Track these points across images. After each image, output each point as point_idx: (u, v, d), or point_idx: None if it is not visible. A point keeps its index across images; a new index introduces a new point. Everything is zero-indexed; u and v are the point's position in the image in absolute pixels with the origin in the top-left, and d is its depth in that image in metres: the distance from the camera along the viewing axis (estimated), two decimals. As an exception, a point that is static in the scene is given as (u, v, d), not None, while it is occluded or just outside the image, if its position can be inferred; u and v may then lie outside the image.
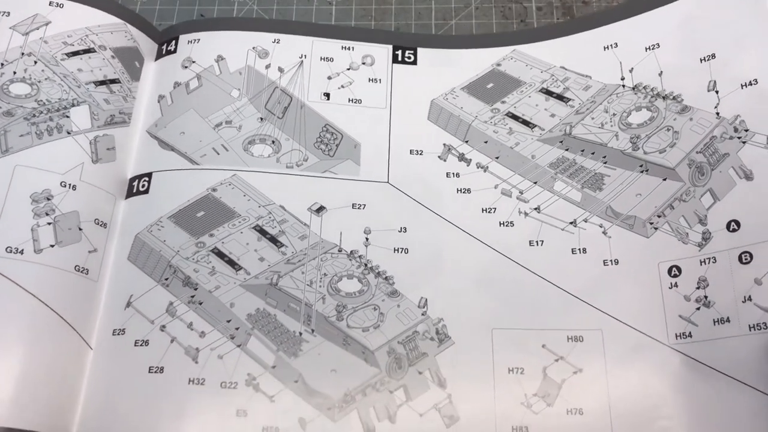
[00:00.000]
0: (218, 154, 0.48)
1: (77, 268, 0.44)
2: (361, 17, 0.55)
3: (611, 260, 0.44)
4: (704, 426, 0.39)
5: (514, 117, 0.50)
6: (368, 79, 0.51)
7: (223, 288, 0.44)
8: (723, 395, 0.39)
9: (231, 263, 0.45)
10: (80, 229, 0.45)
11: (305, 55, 0.52)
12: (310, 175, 0.48)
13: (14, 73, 0.48)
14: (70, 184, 0.45)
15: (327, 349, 0.43)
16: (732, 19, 0.47)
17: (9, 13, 0.50)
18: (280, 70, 0.51)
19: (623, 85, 0.49)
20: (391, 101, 0.51)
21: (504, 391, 0.41)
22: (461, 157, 0.49)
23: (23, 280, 0.42)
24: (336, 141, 0.49)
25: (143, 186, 0.47)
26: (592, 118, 0.49)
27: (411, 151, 0.49)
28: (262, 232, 0.46)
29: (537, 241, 0.45)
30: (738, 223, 0.42)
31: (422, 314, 0.44)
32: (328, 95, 0.51)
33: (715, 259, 0.42)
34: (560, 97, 0.50)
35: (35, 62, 0.49)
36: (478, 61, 0.52)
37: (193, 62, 0.51)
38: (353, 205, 0.47)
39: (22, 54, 0.49)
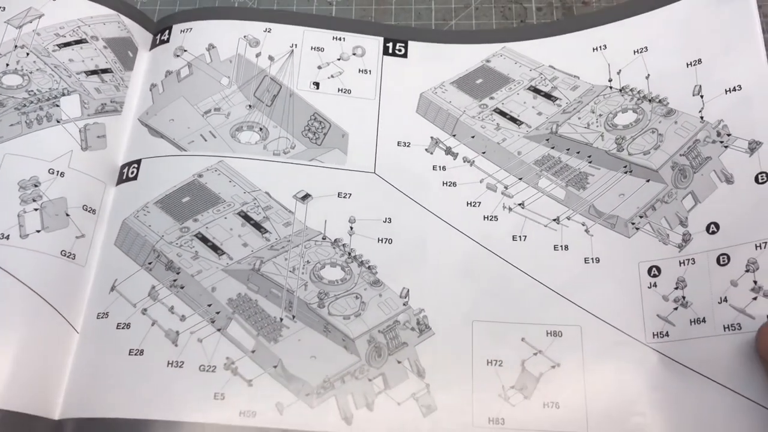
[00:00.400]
0: (206, 140, 0.48)
1: (64, 253, 0.44)
2: (360, 17, 0.55)
3: (592, 258, 0.45)
4: (678, 423, 0.40)
5: (502, 113, 0.50)
6: (358, 70, 0.51)
7: (205, 272, 0.44)
8: (697, 394, 0.40)
9: (214, 248, 0.45)
10: (67, 215, 0.45)
11: (296, 45, 0.52)
12: (296, 162, 0.48)
13: (7, 65, 0.49)
14: (58, 171, 0.46)
15: (307, 335, 0.43)
16: (719, 26, 0.48)
17: (5, 8, 0.51)
18: (271, 58, 0.51)
19: (610, 87, 0.50)
20: (380, 93, 0.51)
21: (482, 383, 0.42)
22: (448, 151, 0.49)
23: (9, 264, 0.42)
24: (324, 130, 0.49)
25: (132, 173, 0.48)
26: (579, 118, 0.49)
27: (398, 143, 0.49)
28: (247, 217, 0.46)
29: (520, 236, 0.46)
30: (717, 226, 0.43)
31: (404, 304, 0.44)
32: (317, 84, 0.51)
33: (694, 261, 0.43)
34: (548, 96, 0.50)
35: (27, 54, 0.49)
36: (468, 56, 0.52)
37: (185, 51, 0.51)
38: (339, 194, 0.47)
39: (15, 46, 0.49)
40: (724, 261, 0.42)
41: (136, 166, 0.48)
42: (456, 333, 0.43)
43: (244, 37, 0.52)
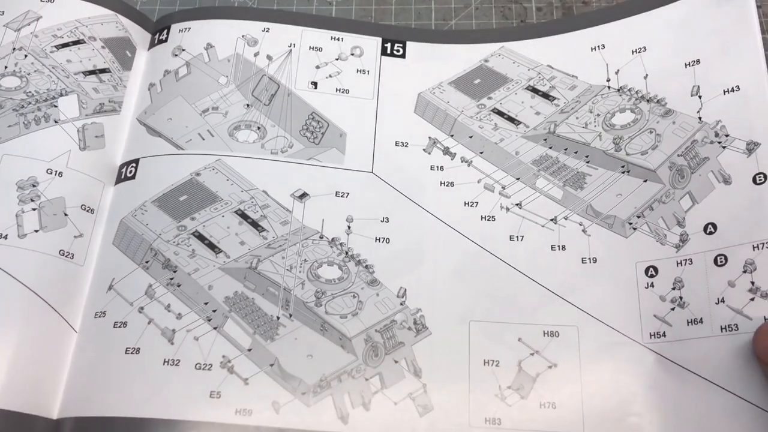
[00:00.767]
0: (203, 139, 0.48)
1: (62, 252, 0.44)
2: (361, 17, 0.55)
3: (590, 258, 0.45)
4: (674, 423, 0.40)
5: (500, 113, 0.50)
6: (356, 69, 0.51)
7: (202, 270, 0.44)
8: (694, 394, 0.40)
9: (211, 246, 0.45)
10: (66, 215, 0.45)
11: (294, 44, 0.52)
12: (294, 161, 0.48)
13: (5, 67, 0.49)
14: (56, 171, 0.46)
15: (304, 334, 0.43)
16: (718, 26, 0.48)
17: (3, 12, 0.51)
18: (269, 58, 0.51)
19: (608, 87, 0.50)
20: (378, 93, 0.51)
21: (478, 383, 0.42)
22: (446, 151, 0.49)
23: (7, 264, 0.43)
24: (322, 129, 0.49)
25: (131, 172, 0.48)
26: (577, 118, 0.49)
27: (396, 143, 0.49)
28: (244, 216, 0.46)
29: (517, 237, 0.46)
30: (715, 226, 0.43)
31: (401, 304, 0.44)
32: (315, 84, 0.51)
33: (691, 261, 0.43)
34: (546, 96, 0.50)
35: (25, 56, 0.49)
36: (466, 56, 0.52)
37: (183, 50, 0.51)
38: (336, 193, 0.47)
39: (14, 49, 0.49)
40: (721, 261, 0.42)
41: (134, 165, 0.48)
42: (453, 333, 0.43)
43: (243, 36, 0.52)
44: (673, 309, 0.42)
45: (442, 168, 0.48)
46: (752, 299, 0.40)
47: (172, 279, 0.44)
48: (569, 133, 0.49)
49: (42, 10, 0.51)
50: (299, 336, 0.43)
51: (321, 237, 0.46)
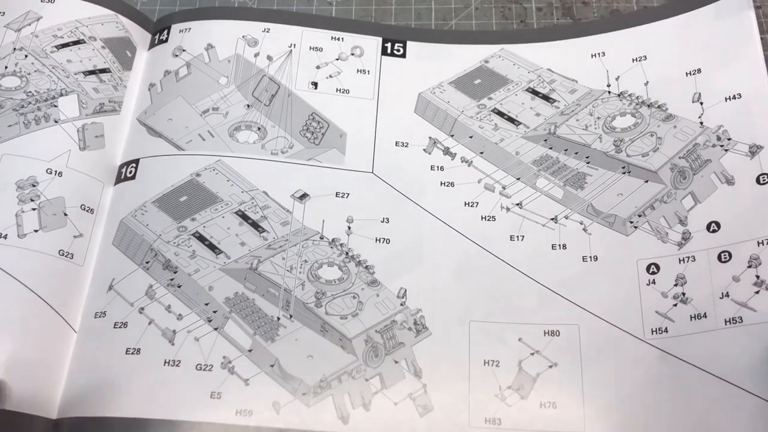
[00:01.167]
0: (204, 140, 0.48)
1: (61, 252, 0.44)
2: (361, 17, 0.55)
3: (590, 257, 0.44)
4: (678, 419, 0.40)
5: (500, 114, 0.50)
6: (357, 69, 0.51)
7: (202, 271, 0.44)
8: (697, 388, 0.40)
9: (211, 247, 0.45)
10: (65, 215, 0.45)
11: (294, 45, 0.52)
12: (294, 162, 0.48)
13: (6, 67, 0.49)
14: (56, 171, 0.46)
15: (304, 335, 0.43)
16: (718, 38, 0.48)
17: (4, 12, 0.51)
18: (269, 58, 0.51)
19: (609, 92, 0.50)
20: (378, 93, 0.51)
21: (479, 383, 0.42)
22: (446, 151, 0.49)
23: (7, 264, 0.43)
24: (322, 130, 0.49)
25: (130, 172, 0.48)
26: (577, 120, 0.49)
27: (396, 143, 0.49)
28: (244, 217, 0.46)
29: (518, 236, 0.46)
30: (718, 224, 0.43)
31: (401, 304, 0.44)
32: (315, 84, 0.51)
33: (694, 258, 0.42)
34: (546, 98, 0.50)
35: (26, 56, 0.49)
36: (467, 57, 0.52)
37: (184, 51, 0.51)
38: (337, 194, 0.47)
39: (14, 49, 0.50)
40: (725, 258, 0.42)
41: (134, 165, 0.48)
42: (453, 333, 0.43)
43: (243, 37, 0.52)
44: (675, 305, 0.42)
45: (442, 168, 0.48)
46: (757, 292, 0.40)
47: (172, 280, 0.44)
48: (569, 135, 0.49)
49: (42, 11, 0.51)
50: (299, 337, 0.42)
51: (321, 237, 0.46)
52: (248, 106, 0.50)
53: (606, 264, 0.44)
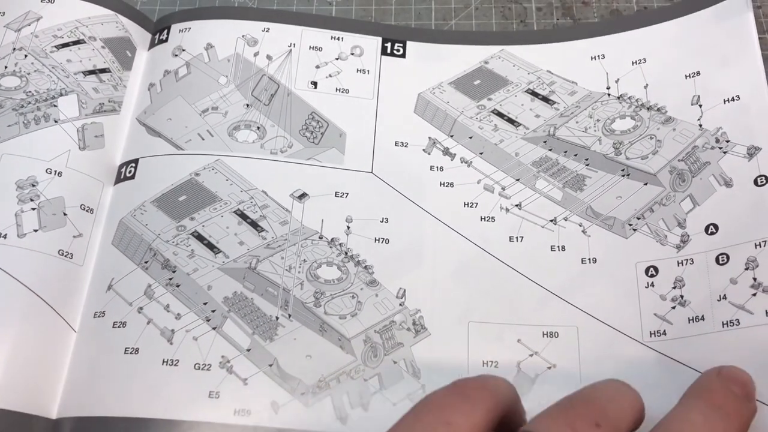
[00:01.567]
0: (203, 139, 0.48)
1: (61, 252, 0.44)
2: (361, 17, 0.55)
3: (589, 259, 0.44)
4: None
5: (500, 114, 0.50)
6: (356, 69, 0.51)
7: (201, 271, 0.44)
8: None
9: (210, 246, 0.45)
10: (65, 215, 0.45)
11: (294, 44, 0.52)
12: (294, 161, 0.48)
13: (5, 67, 0.49)
14: (55, 171, 0.46)
15: (303, 334, 0.43)
16: (718, 41, 0.49)
17: (4, 12, 0.51)
18: (269, 58, 0.51)
19: (608, 94, 0.50)
20: (378, 92, 0.51)
21: (477, 384, 0.41)
22: (446, 151, 0.49)
23: (6, 264, 0.43)
24: (321, 129, 0.49)
25: (130, 172, 0.48)
26: (577, 122, 0.49)
27: (396, 143, 0.49)
28: (243, 216, 0.46)
29: (517, 237, 0.46)
30: (716, 227, 0.43)
31: (400, 305, 0.44)
32: (315, 84, 0.51)
33: (692, 261, 0.43)
34: (546, 99, 0.51)
35: (25, 56, 0.50)
36: (467, 57, 0.53)
37: (183, 50, 0.51)
38: (336, 194, 0.47)
39: (14, 49, 0.50)
40: (723, 260, 0.42)
41: (133, 165, 0.48)
42: (452, 334, 0.43)
43: (243, 36, 0.52)
44: (673, 307, 0.42)
45: (441, 168, 0.48)
46: (754, 294, 0.40)
47: (171, 279, 0.44)
48: (569, 137, 0.49)
49: (42, 11, 0.51)
50: (298, 336, 0.42)
51: (320, 237, 0.46)
52: (247, 105, 0.50)
53: (605, 266, 0.44)
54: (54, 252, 0.44)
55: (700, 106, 0.47)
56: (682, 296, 0.42)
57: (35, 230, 0.44)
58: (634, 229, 0.45)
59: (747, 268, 0.41)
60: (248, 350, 0.42)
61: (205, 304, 0.43)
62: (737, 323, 0.40)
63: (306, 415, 0.40)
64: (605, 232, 0.45)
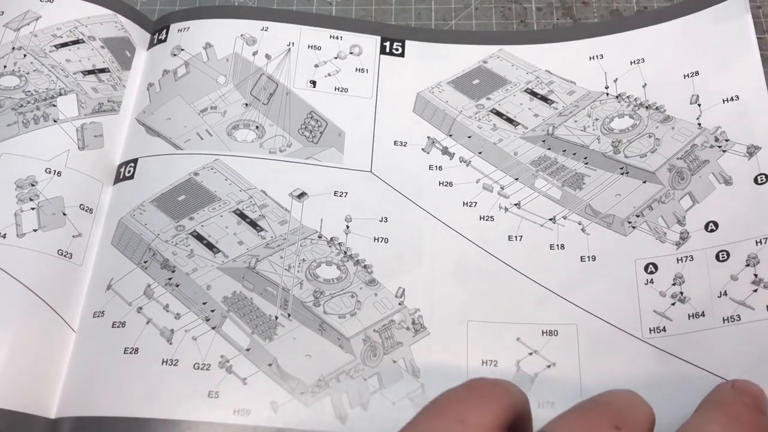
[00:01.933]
0: (202, 139, 0.48)
1: (60, 252, 0.44)
2: (361, 17, 0.55)
3: (588, 256, 0.44)
4: (676, 417, 0.39)
5: (499, 114, 0.50)
6: (355, 68, 0.51)
7: (200, 270, 0.44)
8: (695, 387, 0.39)
9: (209, 246, 0.45)
10: (64, 214, 0.45)
11: (293, 43, 0.52)
12: (292, 161, 0.48)
13: (4, 67, 0.49)
14: (55, 171, 0.46)
15: (302, 334, 0.42)
16: (716, 42, 0.49)
17: (3, 12, 0.51)
18: (267, 57, 0.51)
19: (607, 94, 0.50)
20: (377, 92, 0.51)
21: (477, 383, 0.41)
22: (444, 151, 0.49)
23: (6, 263, 0.42)
24: (320, 128, 0.49)
25: (129, 172, 0.48)
26: (575, 121, 0.49)
27: (395, 142, 0.49)
28: (242, 216, 0.46)
29: (516, 236, 0.46)
30: (716, 224, 0.43)
31: (399, 304, 0.44)
32: (314, 83, 0.51)
33: (692, 258, 0.43)
34: (544, 99, 0.51)
35: (25, 55, 0.50)
36: (465, 57, 0.53)
37: (182, 50, 0.51)
38: (335, 193, 0.47)
39: (13, 48, 0.50)
40: (723, 257, 0.42)
41: (132, 165, 0.48)
42: (451, 333, 0.43)
43: (241, 35, 0.52)
44: (673, 304, 0.42)
45: (440, 168, 0.48)
46: (755, 290, 0.40)
47: (170, 279, 0.44)
48: (568, 136, 0.49)
49: (41, 10, 0.51)
50: (298, 336, 0.42)
51: (319, 236, 0.46)
52: (246, 104, 0.50)
53: (604, 264, 0.44)
54: (53, 252, 0.44)
55: (699, 105, 0.47)
56: (681, 293, 0.42)
57: (34, 230, 0.44)
58: (633, 227, 0.45)
59: (748, 265, 0.41)
60: (248, 350, 0.42)
61: (204, 303, 0.43)
62: (738, 319, 0.40)
63: (305, 414, 0.40)
64: (604, 230, 0.45)
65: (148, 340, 0.42)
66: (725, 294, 0.41)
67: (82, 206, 0.46)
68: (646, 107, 0.48)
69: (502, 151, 0.49)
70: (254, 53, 0.51)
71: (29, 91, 0.48)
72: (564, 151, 0.48)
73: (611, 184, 0.46)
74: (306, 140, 0.49)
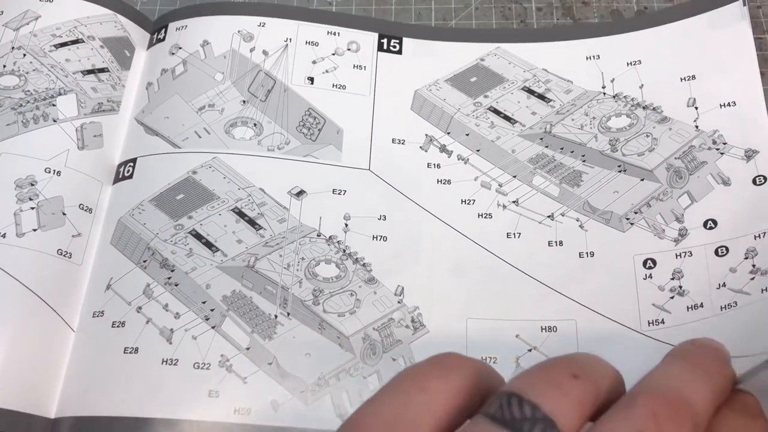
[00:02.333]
0: (200, 137, 0.48)
1: (60, 251, 0.44)
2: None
3: (587, 252, 0.45)
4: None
5: (496, 112, 0.50)
6: (353, 65, 0.51)
7: (199, 269, 0.44)
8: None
9: (208, 245, 0.45)
10: (64, 214, 0.45)
11: (290, 39, 0.52)
12: (291, 158, 0.48)
13: (4, 66, 0.49)
14: (54, 170, 0.46)
15: (302, 332, 0.42)
16: (713, 47, 0.49)
17: (3, 11, 0.51)
18: (265, 53, 0.51)
19: (604, 93, 0.50)
20: (375, 89, 0.51)
21: (476, 380, 0.42)
22: (443, 149, 0.49)
23: (5, 263, 0.42)
24: (318, 126, 0.49)
25: (128, 171, 0.48)
26: (573, 119, 0.49)
27: (393, 140, 0.49)
28: (241, 214, 0.46)
29: (514, 234, 0.46)
30: (715, 222, 0.43)
31: (398, 302, 0.44)
32: (312, 80, 0.51)
33: (691, 253, 0.43)
34: (541, 97, 0.51)
35: (24, 55, 0.49)
36: (463, 54, 0.52)
37: (180, 48, 0.51)
38: (333, 191, 0.47)
39: (13, 48, 0.50)
40: (722, 252, 0.42)
41: (132, 164, 0.48)
42: (450, 330, 0.43)
43: (238, 32, 0.52)
44: (672, 297, 0.42)
45: (438, 166, 0.48)
46: (752, 278, 0.40)
47: (169, 278, 0.44)
48: (565, 134, 0.49)
49: (41, 10, 0.51)
50: (297, 334, 0.42)
51: (318, 235, 0.46)
52: (244, 102, 0.50)
53: (602, 260, 0.44)
54: (53, 251, 0.44)
55: (696, 108, 0.47)
56: (680, 286, 0.42)
57: (34, 230, 0.44)
58: (632, 224, 0.45)
59: (746, 257, 0.41)
60: (247, 349, 0.42)
61: (203, 302, 0.43)
62: (734, 305, 0.40)
63: (306, 413, 0.40)
64: (603, 226, 0.45)
65: (148, 339, 0.42)
66: (724, 285, 0.41)
67: (81, 206, 0.46)
68: (644, 107, 0.49)
69: (500, 149, 0.49)
70: (251, 49, 0.51)
71: (29, 91, 0.48)
72: (562, 148, 0.48)
73: (609, 182, 0.46)
74: (304, 137, 0.49)
